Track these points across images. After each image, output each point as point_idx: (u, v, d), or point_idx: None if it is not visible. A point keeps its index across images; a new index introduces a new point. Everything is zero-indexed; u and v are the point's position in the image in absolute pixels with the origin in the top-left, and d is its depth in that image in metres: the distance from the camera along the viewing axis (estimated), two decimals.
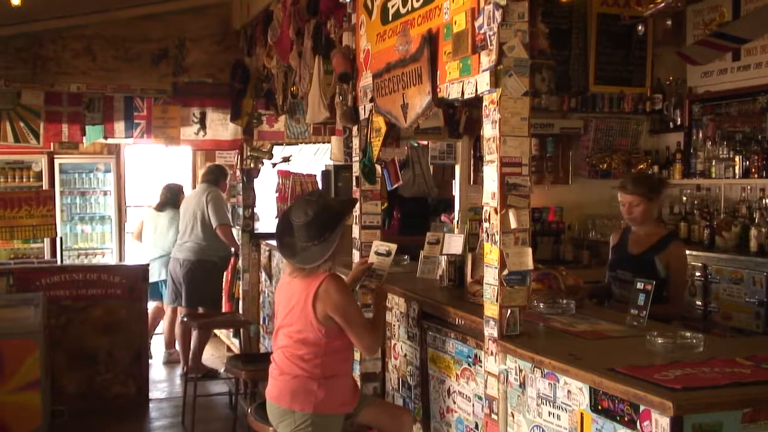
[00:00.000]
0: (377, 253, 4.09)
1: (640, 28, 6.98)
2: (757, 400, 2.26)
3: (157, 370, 7.60)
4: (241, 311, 8.05)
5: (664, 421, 2.19)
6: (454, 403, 3.63)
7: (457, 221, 7.33)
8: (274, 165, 8.39)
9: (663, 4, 5.62)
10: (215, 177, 7.73)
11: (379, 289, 4.01)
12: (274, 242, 7.30)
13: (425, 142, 7.75)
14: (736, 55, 6.99)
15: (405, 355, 4.18)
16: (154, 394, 6.88)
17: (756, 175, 6.48)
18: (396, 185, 6.99)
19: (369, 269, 4.08)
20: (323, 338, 3.55)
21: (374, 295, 4.03)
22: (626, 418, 2.36)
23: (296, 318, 3.59)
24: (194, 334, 7.10)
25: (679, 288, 4.28)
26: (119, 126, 7.76)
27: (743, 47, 6.85)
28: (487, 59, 3.07)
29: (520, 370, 2.93)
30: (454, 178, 7.58)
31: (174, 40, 7.73)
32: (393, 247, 4.08)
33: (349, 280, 4.06)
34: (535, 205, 7.49)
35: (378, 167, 4.60)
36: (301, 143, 9.07)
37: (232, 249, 7.85)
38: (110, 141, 8.08)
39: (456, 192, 7.53)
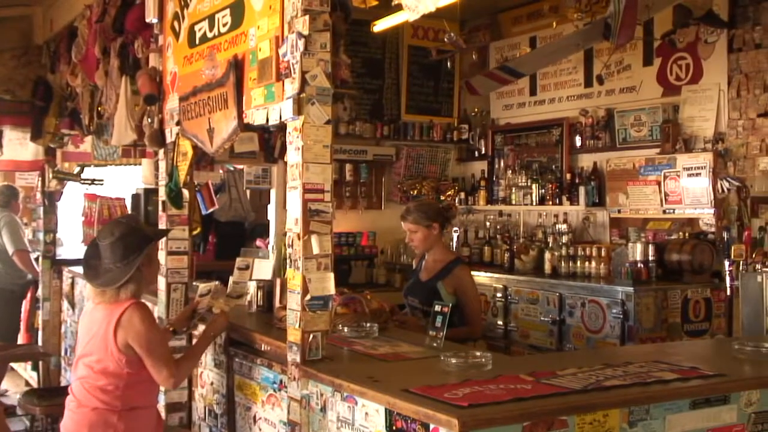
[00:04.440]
0: (201, 295, 3.98)
1: (448, 64, 7.35)
2: (536, 413, 2.42)
3: None
4: (40, 342, 7.59)
5: None
6: (260, 430, 3.61)
7: (273, 246, 7.32)
8: (91, 183, 7.98)
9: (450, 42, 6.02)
10: (5, 199, 7.29)
11: (219, 320, 3.81)
12: (77, 269, 7.00)
13: (241, 166, 7.70)
14: (533, 90, 7.52)
15: (212, 383, 4.12)
16: None
17: (550, 202, 6.98)
18: (211, 209, 6.91)
19: (194, 311, 3.97)
20: (125, 368, 3.43)
21: (208, 324, 3.85)
22: None
23: (97, 347, 3.46)
24: None
25: (472, 309, 4.43)
26: None
27: (539, 84, 7.42)
28: (291, 87, 3.12)
29: (321, 395, 2.97)
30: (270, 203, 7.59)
31: None
32: (212, 284, 3.98)
33: (174, 322, 4.02)
34: (349, 230, 7.65)
35: (186, 191, 4.52)
36: (110, 165, 8.72)
37: (30, 276, 7.40)
38: None
39: (272, 216, 7.53)
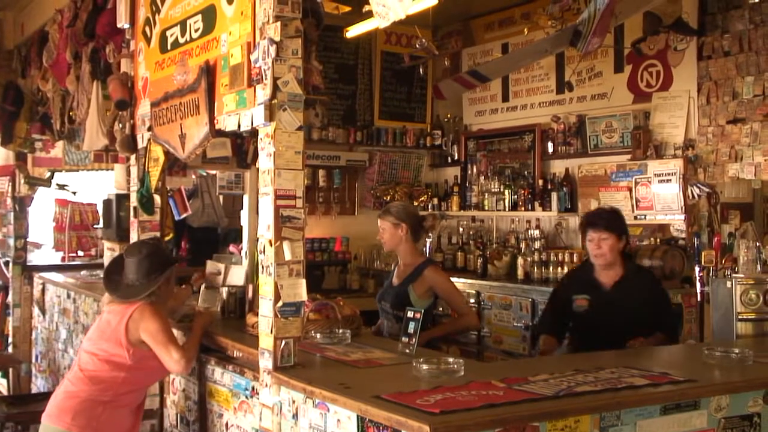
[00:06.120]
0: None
1: (421, 70, 7.36)
2: (507, 419, 2.41)
3: None
4: (10, 349, 7.48)
5: None
6: None
7: (246, 252, 7.27)
8: (62, 187, 7.90)
9: (422, 49, 6.04)
10: None
11: (205, 314, 3.99)
12: (48, 275, 6.91)
13: (214, 172, 7.64)
14: (505, 97, 7.55)
15: (183, 390, 4.08)
16: None
17: (523, 208, 6.99)
18: (184, 215, 6.84)
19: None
20: (129, 360, 3.62)
21: (197, 316, 3.97)
22: None
23: (107, 337, 3.67)
24: None
25: (455, 301, 4.49)
26: None
27: (511, 90, 7.45)
28: (262, 93, 3.10)
29: (293, 401, 2.94)
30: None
31: None
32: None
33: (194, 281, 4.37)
34: (322, 235, 7.63)
35: (157, 197, 4.49)
36: (82, 170, 8.64)
37: (0, 282, 7.30)
38: None
39: (245, 222, 7.48)
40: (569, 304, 4.26)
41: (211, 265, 4.37)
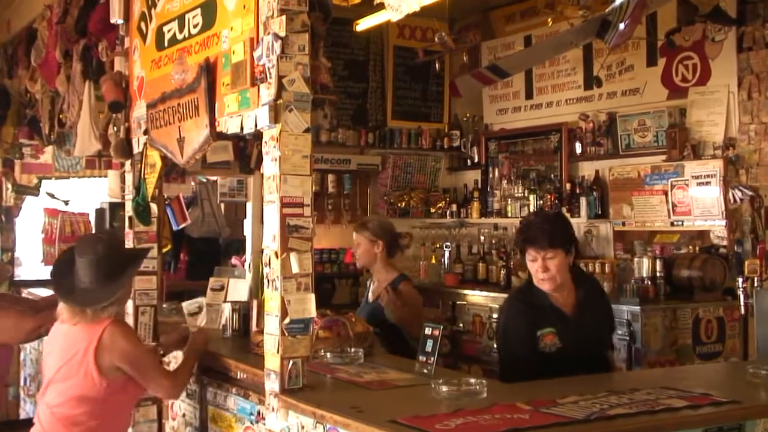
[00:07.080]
0: (190, 314, 4.38)
1: (437, 65, 7.36)
2: None
3: None
4: None
5: None
6: None
7: (249, 264, 7.28)
8: (67, 203, 8.00)
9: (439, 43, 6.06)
10: None
11: (199, 335, 3.96)
12: (37, 290, 6.93)
13: (215, 178, 7.66)
14: (529, 94, 7.54)
15: (184, 415, 4.08)
16: None
17: None
18: (183, 225, 6.86)
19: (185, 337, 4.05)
20: (103, 394, 3.42)
21: (192, 338, 3.94)
22: None
23: (74, 371, 3.43)
24: None
25: (415, 321, 4.43)
26: None
27: (535, 86, 7.44)
28: (266, 92, 3.10)
29: (303, 426, 2.94)
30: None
31: None
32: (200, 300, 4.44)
33: (165, 344, 4.04)
34: (332, 246, 7.64)
35: (154, 206, 4.50)
36: (73, 177, 8.68)
37: None
38: None
39: (248, 232, 7.49)
40: (534, 342, 3.61)
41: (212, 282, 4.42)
